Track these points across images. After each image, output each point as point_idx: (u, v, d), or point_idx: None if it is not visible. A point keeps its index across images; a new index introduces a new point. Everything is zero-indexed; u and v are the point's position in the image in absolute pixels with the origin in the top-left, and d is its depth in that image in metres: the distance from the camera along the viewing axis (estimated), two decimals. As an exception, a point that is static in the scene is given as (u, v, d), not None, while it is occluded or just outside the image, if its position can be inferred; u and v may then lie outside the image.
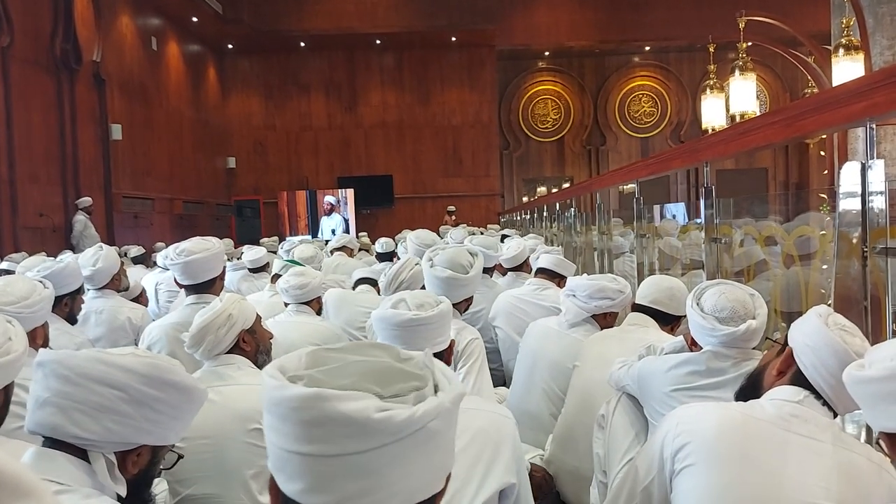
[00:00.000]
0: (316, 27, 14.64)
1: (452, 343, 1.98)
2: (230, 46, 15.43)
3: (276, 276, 4.33)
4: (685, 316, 2.55)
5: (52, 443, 1.25)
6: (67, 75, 9.76)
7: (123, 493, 1.28)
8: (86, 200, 9.60)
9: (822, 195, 3.62)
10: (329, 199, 15.50)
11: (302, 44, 15.35)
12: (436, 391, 0.87)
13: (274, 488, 0.85)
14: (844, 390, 1.37)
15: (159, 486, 2.21)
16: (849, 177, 1.84)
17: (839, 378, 1.39)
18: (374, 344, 0.93)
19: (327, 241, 9.08)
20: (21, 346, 1.59)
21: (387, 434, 0.79)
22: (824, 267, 2.71)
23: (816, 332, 1.52)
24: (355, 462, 0.79)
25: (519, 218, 12.37)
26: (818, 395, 1.52)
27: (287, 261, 4.62)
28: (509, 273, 4.57)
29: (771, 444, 1.48)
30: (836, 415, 1.55)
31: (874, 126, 1.82)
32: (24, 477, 0.64)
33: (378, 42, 15.37)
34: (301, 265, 4.42)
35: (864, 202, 1.81)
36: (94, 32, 10.44)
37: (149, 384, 1.29)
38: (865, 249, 1.84)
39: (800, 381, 1.54)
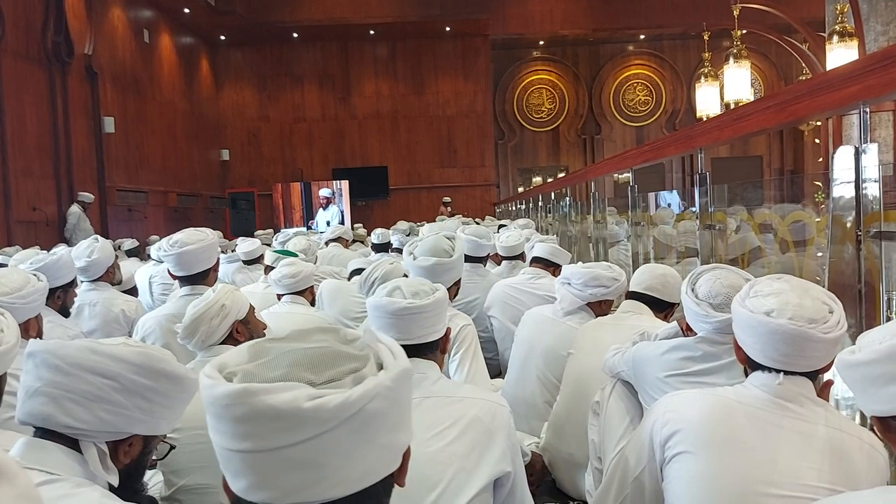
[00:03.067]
0: (309, 18, 14.57)
1: (449, 331, 1.97)
2: (223, 38, 15.35)
3: (270, 268, 4.32)
4: (679, 303, 2.56)
5: (42, 432, 1.25)
6: (59, 68, 9.70)
7: (115, 482, 1.27)
8: (88, 196, 9.55)
9: (817, 182, 3.62)
10: (324, 192, 15.44)
11: (295, 35, 15.28)
12: (379, 370, 0.84)
13: (226, 487, 0.84)
14: (801, 352, 1.45)
15: (154, 479, 2.21)
16: (843, 161, 1.84)
17: (778, 346, 1.46)
18: (319, 329, 0.91)
19: (321, 233, 9.06)
20: (13, 337, 1.59)
21: (321, 422, 0.77)
22: (819, 255, 2.71)
23: (738, 316, 1.57)
24: (293, 454, 0.77)
25: (514, 208, 12.37)
26: (791, 372, 1.52)
27: (277, 251, 4.58)
28: (505, 262, 4.60)
29: (761, 428, 1.49)
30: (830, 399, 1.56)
31: (868, 110, 1.81)
32: None
33: (371, 32, 15.31)
34: (293, 254, 4.42)
35: (857, 186, 1.81)
36: (86, 25, 10.37)
37: (140, 373, 1.28)
38: (859, 233, 1.84)
39: (756, 364, 1.56)
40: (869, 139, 1.83)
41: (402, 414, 0.85)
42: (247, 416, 0.77)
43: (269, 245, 7.01)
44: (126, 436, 1.30)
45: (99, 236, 3.92)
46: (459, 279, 3.13)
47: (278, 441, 0.77)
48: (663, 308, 2.67)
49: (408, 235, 6.45)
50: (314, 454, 0.78)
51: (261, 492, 0.79)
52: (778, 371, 1.52)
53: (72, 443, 1.25)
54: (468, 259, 4.12)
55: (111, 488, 1.25)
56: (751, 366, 1.59)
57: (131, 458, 1.33)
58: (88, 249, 3.70)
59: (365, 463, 0.81)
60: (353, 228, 9.04)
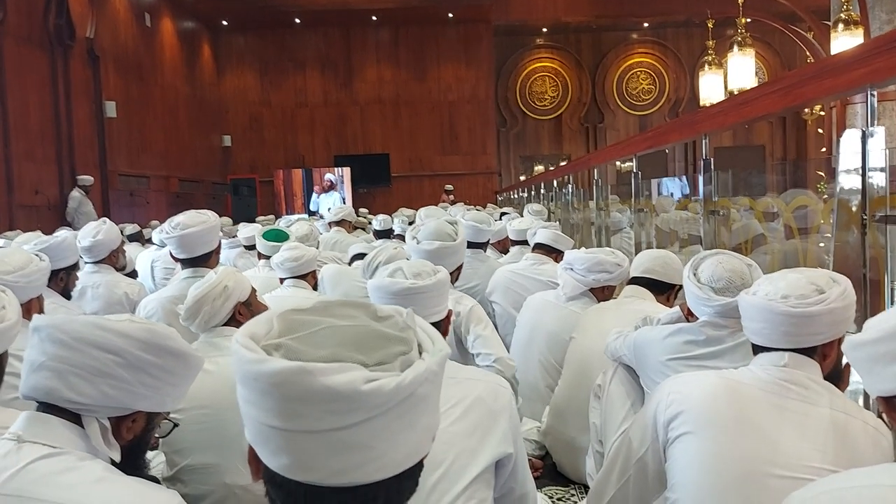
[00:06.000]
0: (311, 3, 14.47)
1: (450, 313, 1.98)
2: (224, 22, 15.27)
3: (263, 256, 4.29)
4: (681, 286, 2.57)
5: (45, 407, 1.25)
6: (61, 51, 9.66)
7: (117, 458, 1.27)
8: (87, 179, 9.55)
9: (820, 172, 3.61)
10: (329, 176, 15.46)
11: (297, 20, 15.20)
12: (420, 353, 0.84)
13: (255, 460, 0.83)
14: (777, 327, 1.50)
15: (156, 459, 2.22)
16: (849, 145, 1.83)
17: (778, 323, 1.50)
18: (346, 302, 0.88)
19: (321, 217, 9.00)
20: (15, 314, 1.59)
21: (375, 406, 0.76)
22: (821, 245, 2.71)
23: (744, 304, 1.59)
24: (344, 436, 0.76)
25: (516, 196, 12.35)
26: (795, 351, 1.53)
27: (266, 235, 4.50)
28: (515, 247, 4.65)
29: (765, 409, 1.50)
30: (835, 377, 1.57)
31: (874, 93, 1.80)
32: None
33: (374, 18, 15.22)
34: (284, 234, 4.39)
35: (864, 170, 1.80)
36: (88, 8, 10.33)
37: (145, 349, 1.28)
38: (865, 218, 1.83)
39: (760, 347, 1.59)
40: (875, 122, 1.82)
41: (438, 398, 0.85)
42: (300, 396, 0.75)
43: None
44: (129, 412, 1.30)
45: (107, 219, 3.93)
46: (461, 265, 3.13)
47: (330, 423, 0.76)
48: (664, 290, 2.68)
49: (410, 224, 6.44)
50: (364, 437, 0.77)
51: (304, 472, 0.78)
52: (780, 350, 1.53)
53: (74, 417, 1.24)
54: (469, 245, 4.12)
55: (113, 464, 1.25)
56: (754, 350, 1.60)
57: (134, 435, 1.32)
58: (95, 230, 3.71)
59: (408, 446, 0.81)
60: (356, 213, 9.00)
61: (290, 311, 0.86)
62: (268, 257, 4.03)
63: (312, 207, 14.96)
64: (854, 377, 1.72)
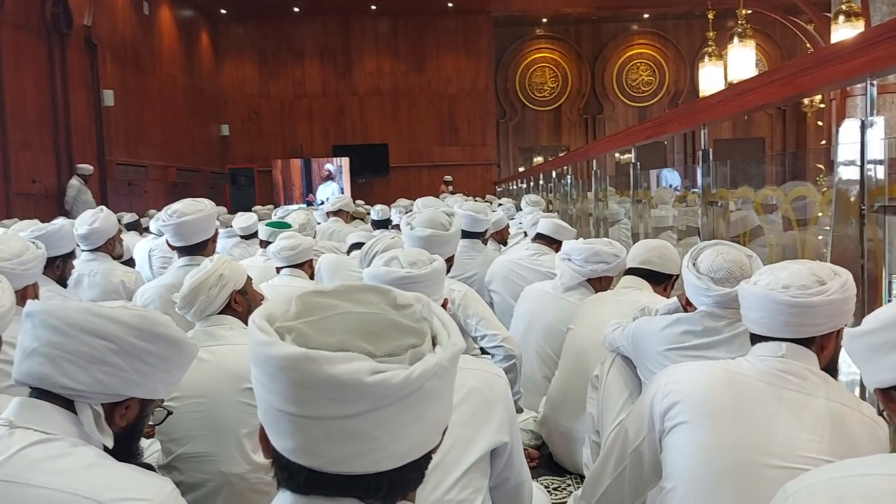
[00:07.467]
0: (310, -9, 14.43)
1: (446, 301, 1.97)
2: (223, 12, 15.21)
3: (266, 243, 4.31)
4: (678, 276, 2.57)
5: (38, 393, 1.24)
6: (58, 40, 9.61)
7: (110, 444, 1.26)
8: (86, 168, 9.52)
9: (820, 165, 3.61)
10: (329, 166, 15.44)
11: (296, 9, 15.14)
12: (433, 344, 0.83)
13: (265, 440, 0.84)
14: (777, 317, 1.50)
15: (152, 447, 2.21)
16: (848, 134, 1.82)
17: (778, 313, 1.50)
18: (368, 287, 0.88)
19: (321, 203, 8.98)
20: (8, 301, 1.58)
21: (380, 397, 0.76)
22: (819, 238, 2.70)
23: (744, 293, 1.59)
24: (347, 425, 0.77)
25: (515, 187, 12.34)
26: (793, 341, 1.53)
27: (270, 224, 4.54)
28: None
29: (761, 399, 1.50)
30: (832, 370, 1.57)
31: (874, 83, 1.79)
32: None
33: (373, 7, 15.16)
34: (287, 225, 4.40)
35: (862, 160, 1.79)
36: (85, -4, 10.28)
37: (139, 336, 1.27)
38: (863, 208, 1.82)
39: (758, 337, 1.59)
40: (874, 112, 1.81)
41: (450, 392, 0.85)
42: (305, 382, 0.76)
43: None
44: (123, 398, 1.29)
45: (104, 207, 3.92)
46: (453, 256, 3.13)
47: (334, 411, 0.76)
48: (662, 281, 2.68)
49: (408, 213, 6.43)
50: (368, 427, 0.77)
51: (308, 457, 0.79)
52: (778, 340, 1.52)
53: (67, 403, 1.24)
54: (466, 235, 4.12)
55: (106, 450, 1.25)
56: (752, 340, 1.61)
57: (127, 422, 1.32)
58: (92, 218, 3.70)
59: (414, 438, 0.81)
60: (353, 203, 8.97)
61: (311, 292, 0.86)
62: (269, 243, 4.05)
63: (314, 202, 14.86)
64: (851, 368, 1.72)
